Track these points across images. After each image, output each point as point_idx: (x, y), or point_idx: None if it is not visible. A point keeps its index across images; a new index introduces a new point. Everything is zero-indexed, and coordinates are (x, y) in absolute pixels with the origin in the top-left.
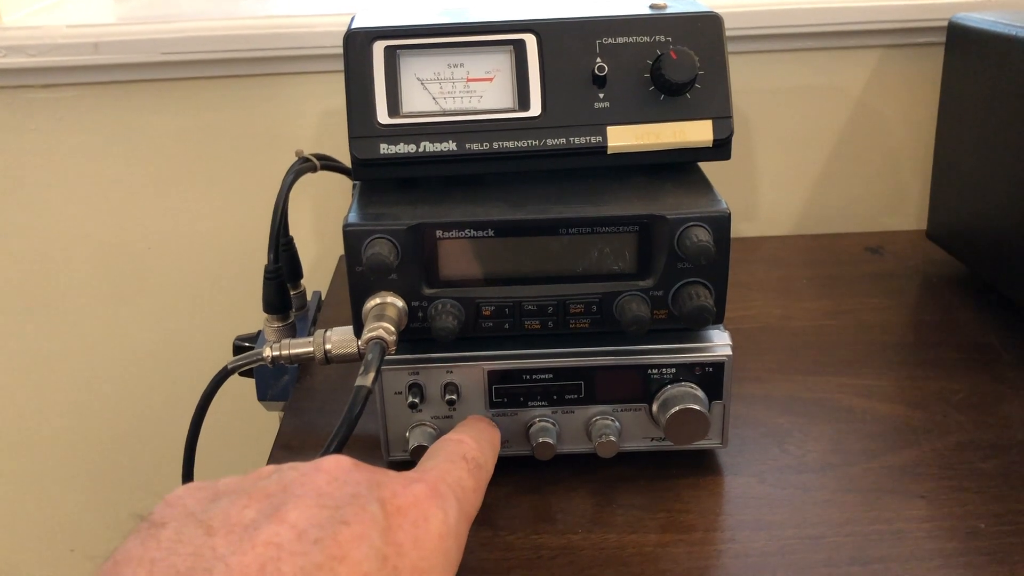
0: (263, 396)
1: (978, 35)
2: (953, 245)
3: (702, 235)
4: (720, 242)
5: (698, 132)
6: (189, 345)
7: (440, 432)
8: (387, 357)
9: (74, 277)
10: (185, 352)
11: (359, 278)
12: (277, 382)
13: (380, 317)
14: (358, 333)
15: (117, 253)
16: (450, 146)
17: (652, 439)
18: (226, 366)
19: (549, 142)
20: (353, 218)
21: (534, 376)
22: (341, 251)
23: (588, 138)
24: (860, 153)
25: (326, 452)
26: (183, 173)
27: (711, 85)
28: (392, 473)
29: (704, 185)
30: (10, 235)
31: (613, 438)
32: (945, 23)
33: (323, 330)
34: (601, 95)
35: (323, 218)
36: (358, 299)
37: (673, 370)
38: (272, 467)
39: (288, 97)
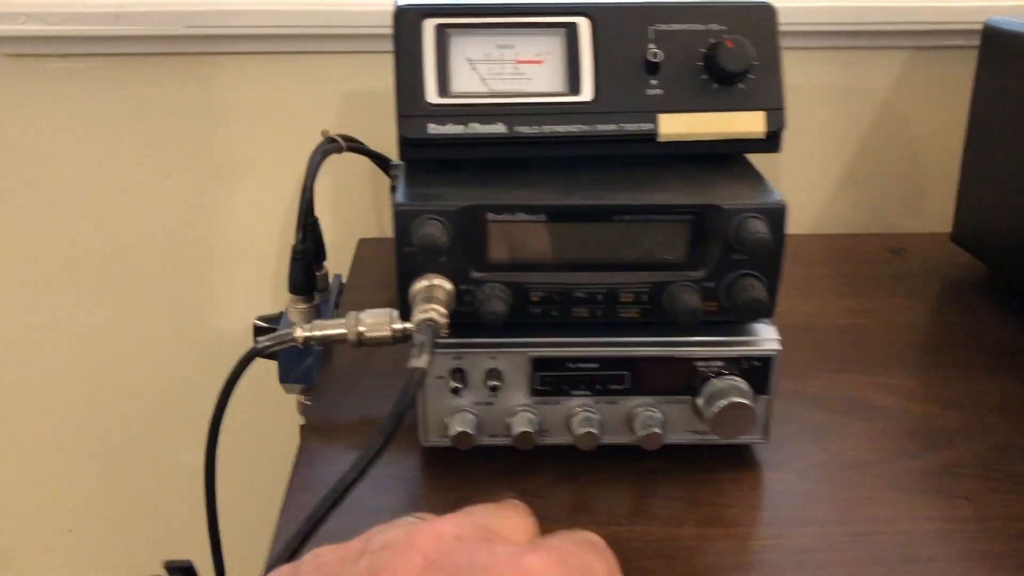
0: (285, 378)
1: (1014, 38)
2: (980, 248)
3: (760, 227)
4: (776, 234)
5: (750, 123)
6: (201, 324)
7: (480, 418)
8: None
9: (81, 252)
10: (197, 332)
11: (408, 259)
12: (300, 364)
13: (429, 299)
14: (405, 315)
15: (126, 230)
16: (499, 128)
17: (694, 432)
18: (255, 346)
19: (600, 128)
20: (403, 198)
21: (579, 365)
22: (360, 234)
23: (639, 125)
24: (882, 154)
25: (385, 437)
26: (198, 151)
27: (764, 76)
28: (500, 547)
29: (755, 176)
30: (19, 206)
31: (658, 430)
32: (979, 26)
33: (355, 312)
34: (653, 82)
35: (341, 200)
36: (405, 280)
37: (720, 363)
38: (361, 542)
39: (310, 76)
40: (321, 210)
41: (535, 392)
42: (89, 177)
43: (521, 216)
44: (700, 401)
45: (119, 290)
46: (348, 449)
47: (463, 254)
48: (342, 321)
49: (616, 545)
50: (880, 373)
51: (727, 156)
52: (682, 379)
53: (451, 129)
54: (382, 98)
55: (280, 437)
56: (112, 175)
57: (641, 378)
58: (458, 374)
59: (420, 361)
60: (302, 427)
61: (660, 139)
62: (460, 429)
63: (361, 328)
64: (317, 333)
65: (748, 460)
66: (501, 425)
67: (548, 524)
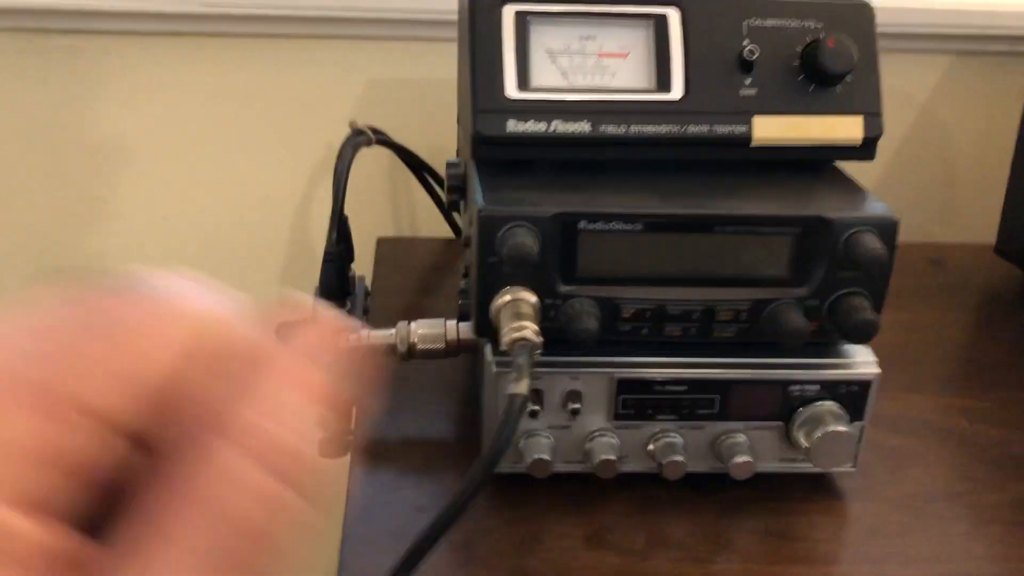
0: None
1: None
2: None
3: (873, 242)
4: (889, 249)
5: (848, 128)
6: None
7: (556, 444)
8: (506, 359)
9: (90, 241)
10: None
11: (491, 270)
12: None
13: (518, 316)
14: (483, 331)
15: (133, 218)
16: (583, 127)
17: (781, 460)
18: None
19: (691, 129)
20: (486, 202)
21: (667, 387)
22: (376, 232)
23: (732, 128)
24: (918, 161)
25: (486, 471)
26: (212, 135)
27: (863, 78)
28: None
29: (853, 186)
30: (35, 188)
31: (750, 458)
32: None
33: (406, 321)
34: (747, 81)
35: (356, 195)
36: (486, 293)
37: (817, 387)
38: None
39: (333, 62)
40: (326, 206)
41: (617, 416)
42: (96, 157)
43: (617, 225)
44: (794, 427)
45: None
46: (402, 474)
47: (550, 265)
48: (391, 332)
49: None
50: (950, 393)
51: (814, 163)
52: (774, 404)
53: (532, 127)
54: (406, 88)
55: None
56: (117, 158)
57: (731, 402)
58: (535, 395)
59: (520, 387)
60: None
61: (753, 143)
62: (538, 456)
63: (414, 339)
64: (364, 343)
65: (831, 489)
66: (577, 451)
67: (640, 562)
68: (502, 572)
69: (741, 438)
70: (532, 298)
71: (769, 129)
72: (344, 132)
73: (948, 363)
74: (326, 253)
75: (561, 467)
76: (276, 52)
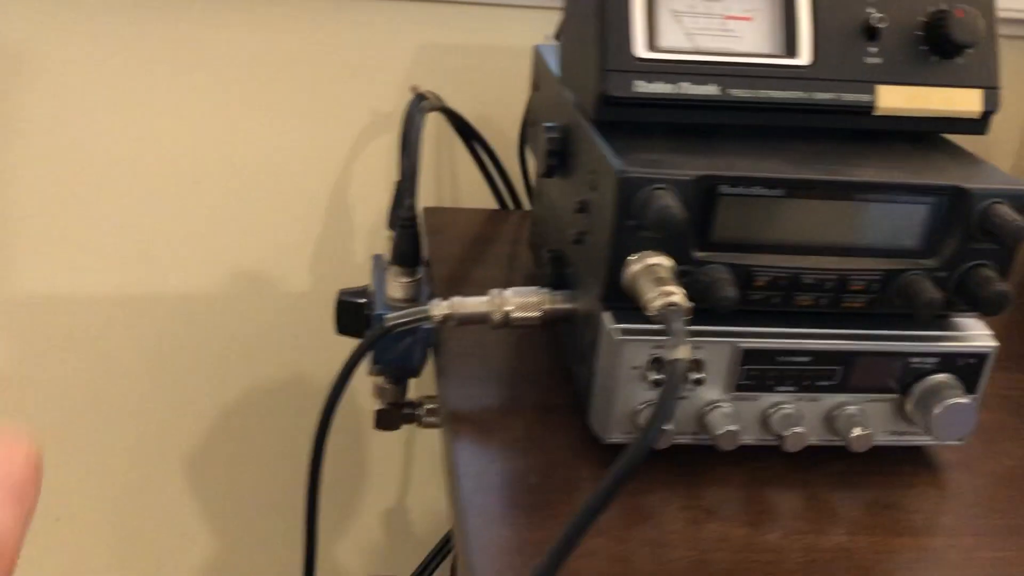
0: (380, 359)
1: None
2: None
3: (1010, 213)
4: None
5: (967, 101)
6: (242, 295)
7: (674, 416)
8: (629, 327)
9: (108, 209)
10: (239, 301)
11: (626, 234)
12: (394, 347)
13: (660, 280)
14: (612, 297)
15: (167, 182)
16: (712, 90)
17: (892, 432)
18: (384, 325)
19: (818, 96)
20: (624, 164)
21: (790, 359)
22: (422, 202)
23: (857, 96)
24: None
25: (649, 439)
26: (254, 99)
27: (983, 51)
28: None
29: (974, 158)
30: (65, 154)
31: (870, 430)
32: None
33: (498, 289)
34: (872, 49)
35: (393, 165)
36: (618, 257)
37: (936, 360)
38: None
39: (382, 24)
40: (373, 173)
41: (738, 387)
42: (133, 120)
43: (758, 190)
44: (912, 399)
45: (146, 249)
46: (506, 444)
47: (686, 230)
48: (484, 299)
49: (848, 557)
50: None
51: (922, 135)
52: (893, 376)
53: (659, 88)
54: (456, 54)
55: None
56: (156, 122)
57: (852, 374)
58: (657, 364)
59: (681, 352)
60: (450, 415)
61: (876, 112)
62: (665, 427)
63: (508, 308)
64: (459, 311)
65: (932, 462)
66: (691, 422)
67: (768, 535)
68: (613, 542)
69: (857, 410)
70: (669, 263)
71: (892, 99)
72: (391, 98)
73: None
74: (402, 219)
75: (676, 439)
76: (322, 12)
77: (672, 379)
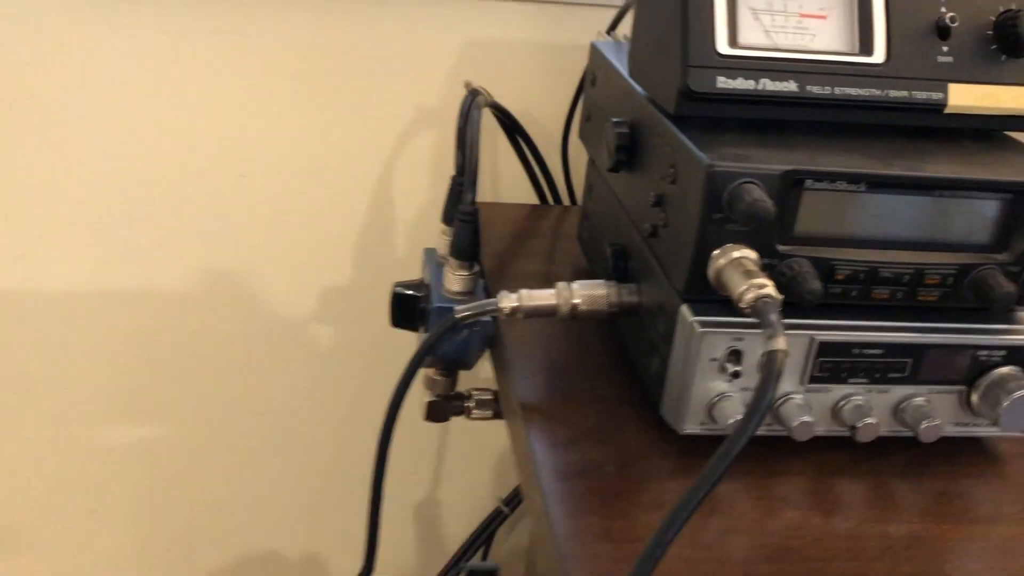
0: (434, 352)
1: None
2: None
3: None
4: None
5: None
6: (286, 288)
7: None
8: (708, 319)
9: (152, 205)
10: (281, 295)
11: (713, 227)
12: (452, 339)
13: (748, 273)
14: (693, 289)
15: (205, 180)
16: (790, 87)
17: (956, 424)
18: (454, 316)
19: (892, 94)
20: (712, 158)
21: (864, 351)
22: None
23: (929, 94)
24: None
25: (754, 424)
26: (295, 95)
27: None
28: None
29: None
30: (101, 148)
31: (939, 421)
32: None
33: (566, 283)
34: (944, 48)
35: (437, 158)
36: (702, 250)
37: (1004, 352)
38: None
39: (428, 20)
40: (416, 168)
41: (812, 379)
42: (171, 115)
43: (841, 185)
44: (979, 391)
45: (183, 243)
46: (579, 434)
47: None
48: (552, 292)
49: (921, 544)
50: None
51: (992, 133)
52: (961, 368)
53: (740, 84)
54: (503, 50)
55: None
56: (194, 117)
57: (922, 367)
58: (735, 356)
59: (779, 343)
60: (521, 406)
61: (947, 110)
62: (735, 417)
63: (576, 300)
64: (527, 304)
65: (991, 453)
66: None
67: (842, 523)
68: (693, 531)
69: (925, 401)
70: (754, 255)
71: (963, 97)
72: (435, 94)
73: None
74: (462, 214)
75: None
76: (371, 7)
77: (771, 369)
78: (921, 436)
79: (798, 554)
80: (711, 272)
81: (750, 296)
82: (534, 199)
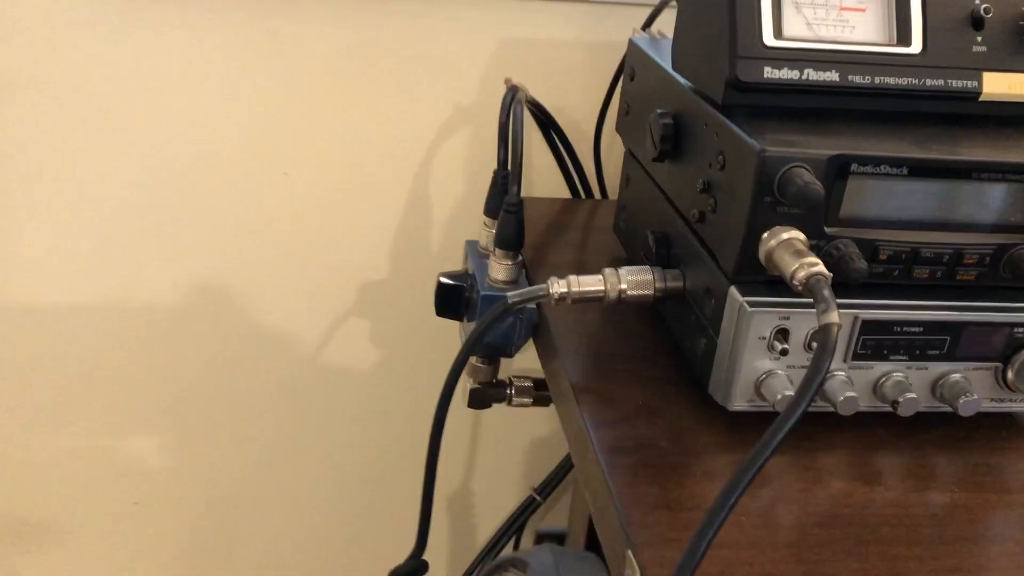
0: (486, 338)
1: None
2: None
3: None
4: None
5: None
6: (324, 284)
7: (794, 384)
8: (756, 299)
9: (195, 202)
10: (319, 290)
11: (763, 211)
12: (497, 326)
13: (799, 253)
14: (741, 272)
15: (248, 177)
16: (832, 76)
17: (991, 399)
18: (506, 302)
19: (928, 82)
20: (763, 144)
21: (904, 329)
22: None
23: (964, 82)
24: None
25: (810, 397)
26: (335, 94)
27: None
28: None
29: None
30: (136, 149)
31: (976, 396)
32: None
33: (611, 268)
34: (979, 38)
35: (471, 153)
36: (753, 232)
37: None
38: None
39: (468, 20)
40: (452, 166)
41: (855, 356)
42: (209, 115)
43: (885, 169)
44: (1013, 367)
45: (221, 244)
46: (632, 413)
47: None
48: (598, 278)
49: (967, 511)
50: None
51: (1011, 120)
52: (998, 345)
53: (786, 74)
54: (537, 48)
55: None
56: (233, 115)
57: (960, 343)
58: (782, 335)
59: (833, 316)
60: (573, 387)
61: (982, 98)
62: (790, 393)
63: (623, 286)
64: (575, 289)
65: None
66: None
67: (885, 493)
68: (744, 499)
69: (962, 377)
70: (803, 236)
71: (998, 85)
72: (471, 92)
73: None
74: (508, 205)
75: None
76: (409, 7)
77: (826, 342)
78: (960, 410)
79: (847, 519)
80: (762, 253)
81: (802, 274)
82: (565, 193)
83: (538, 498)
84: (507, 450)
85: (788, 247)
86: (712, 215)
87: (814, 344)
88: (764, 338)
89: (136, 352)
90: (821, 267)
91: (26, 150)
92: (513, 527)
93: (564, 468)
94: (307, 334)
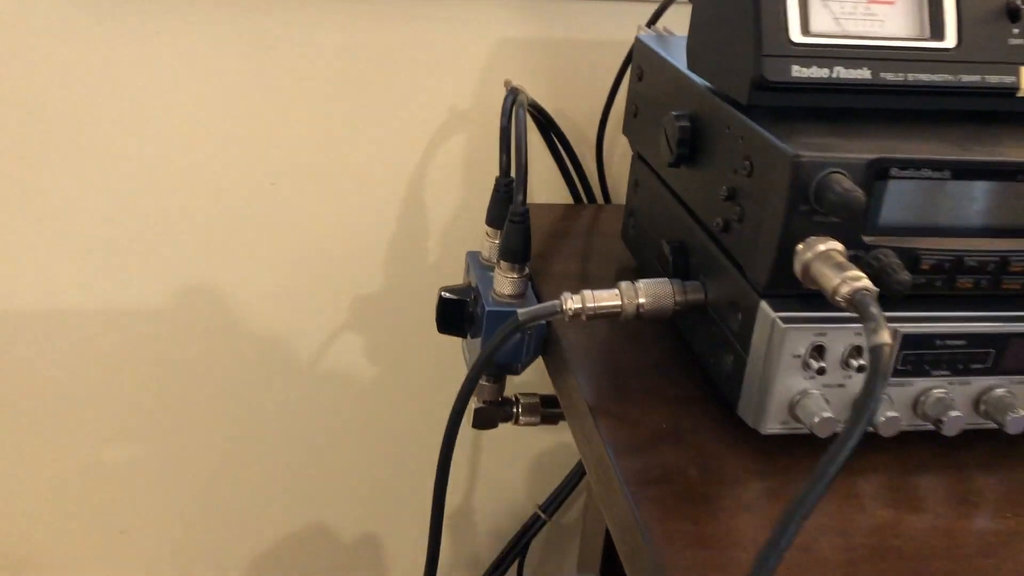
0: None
1: None
2: None
3: None
4: None
5: None
6: (314, 295)
7: (831, 404)
8: (790, 314)
9: (178, 213)
10: (311, 302)
11: (799, 219)
12: (505, 343)
13: (840, 266)
14: (776, 285)
15: (237, 185)
16: (864, 74)
17: None
18: (517, 320)
19: (964, 79)
20: (797, 149)
21: (947, 342)
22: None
23: (1001, 78)
24: None
25: (859, 415)
26: (327, 98)
27: None
28: None
29: None
30: (119, 155)
31: (1023, 411)
32: None
33: (628, 282)
34: (1015, 30)
35: (468, 163)
36: (787, 243)
37: None
38: None
39: (462, 20)
40: (448, 171)
41: (895, 372)
42: (195, 122)
43: (926, 172)
44: None
45: (210, 256)
46: (656, 436)
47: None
48: (615, 292)
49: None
50: None
51: None
52: None
53: (815, 72)
54: (535, 49)
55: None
56: (219, 122)
57: (1004, 356)
58: (818, 352)
59: (884, 336)
60: (591, 409)
61: (1022, 94)
62: (825, 415)
63: (641, 300)
64: (590, 304)
65: None
66: (846, 409)
67: (891, 513)
68: (758, 518)
69: (1007, 392)
70: (841, 247)
71: None
72: (467, 95)
73: None
74: (514, 215)
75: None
76: (402, 7)
77: (878, 366)
78: (1008, 427)
79: (896, 553)
80: (798, 266)
81: (846, 289)
82: (567, 198)
83: (543, 516)
84: (509, 466)
85: (827, 259)
86: (738, 224)
87: (851, 361)
88: (799, 356)
89: (117, 367)
90: (866, 281)
91: (6, 157)
92: (517, 547)
93: (570, 484)
94: (300, 349)
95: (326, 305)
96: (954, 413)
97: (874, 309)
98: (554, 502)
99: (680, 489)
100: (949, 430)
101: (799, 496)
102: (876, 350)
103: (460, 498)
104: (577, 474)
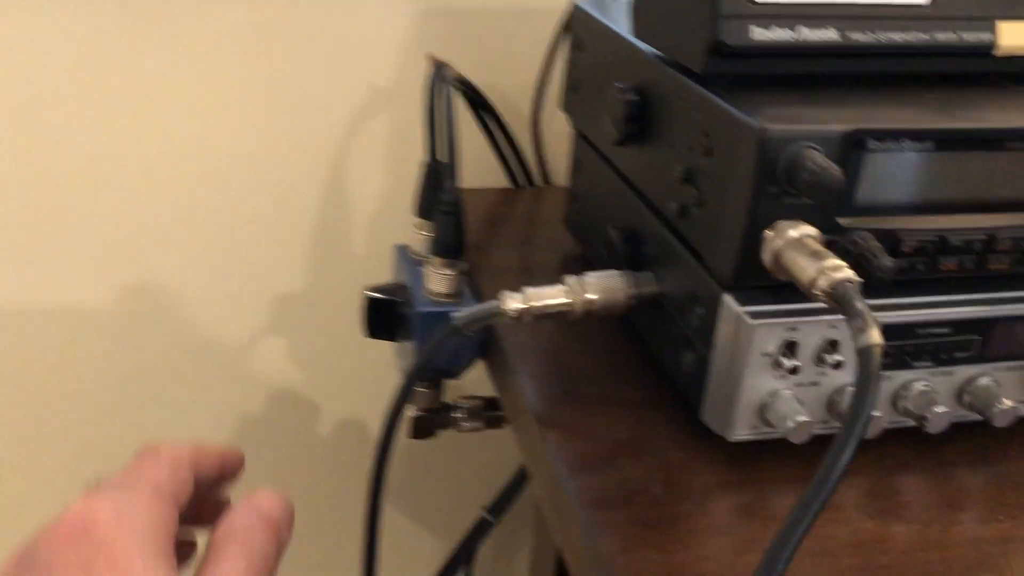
0: (433, 363)
1: None
2: None
3: None
4: None
5: None
6: (231, 298)
7: (804, 405)
8: (757, 309)
9: (78, 210)
10: (227, 306)
11: (767, 202)
12: (442, 347)
13: (816, 254)
14: (744, 276)
15: (135, 179)
16: (830, 35)
17: (1019, 402)
18: (453, 324)
19: (939, 37)
20: (761, 121)
21: (929, 331)
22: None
23: (979, 35)
24: None
25: (851, 430)
26: (229, 80)
27: None
28: None
29: None
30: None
31: (1012, 403)
32: None
33: (574, 276)
34: None
35: (392, 147)
36: (755, 229)
37: None
38: None
39: None
40: (371, 156)
41: None
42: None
43: (907, 144)
44: None
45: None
46: (615, 449)
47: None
48: (561, 288)
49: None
50: None
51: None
52: None
53: (777, 35)
54: (458, 19)
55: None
56: (105, 108)
57: (990, 343)
58: (790, 348)
59: (874, 335)
60: (538, 420)
61: (999, 52)
62: (801, 419)
63: (591, 296)
64: (534, 304)
65: None
66: (822, 409)
67: (871, 523)
68: (733, 541)
69: (992, 381)
70: (815, 232)
71: (1017, 37)
72: (389, 71)
73: None
74: (444, 204)
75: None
76: None
77: (869, 370)
78: (995, 420)
79: (887, 573)
80: (766, 255)
81: (824, 282)
82: (502, 181)
83: (490, 518)
84: (452, 466)
85: (800, 247)
86: (697, 209)
87: (826, 357)
88: (769, 354)
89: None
90: (847, 271)
91: None
92: (463, 553)
93: (518, 482)
94: (216, 353)
95: (242, 306)
96: (939, 409)
97: (859, 304)
98: (501, 502)
99: (643, 511)
100: (934, 427)
101: (782, 532)
102: (866, 352)
103: (398, 503)
104: (524, 471)
